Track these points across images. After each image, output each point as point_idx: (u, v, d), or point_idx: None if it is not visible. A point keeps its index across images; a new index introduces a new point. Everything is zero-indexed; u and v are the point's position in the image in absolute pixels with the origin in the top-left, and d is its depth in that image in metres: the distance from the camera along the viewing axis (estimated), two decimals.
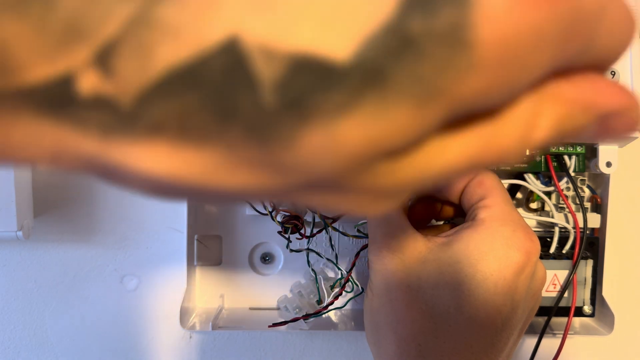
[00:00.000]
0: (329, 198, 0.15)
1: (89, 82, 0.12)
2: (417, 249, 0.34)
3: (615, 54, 0.15)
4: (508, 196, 0.35)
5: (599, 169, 0.43)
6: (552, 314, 0.44)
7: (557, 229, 0.44)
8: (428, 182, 0.15)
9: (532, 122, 0.15)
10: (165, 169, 0.13)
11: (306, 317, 0.45)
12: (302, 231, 0.44)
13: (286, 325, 0.44)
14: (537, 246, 0.34)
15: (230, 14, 0.11)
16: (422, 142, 0.14)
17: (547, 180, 0.45)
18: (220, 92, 0.12)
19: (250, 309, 0.49)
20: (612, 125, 0.16)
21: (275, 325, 0.44)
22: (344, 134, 0.12)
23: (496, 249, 0.32)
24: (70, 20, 0.12)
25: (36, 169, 0.46)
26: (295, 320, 0.44)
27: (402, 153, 0.14)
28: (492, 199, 0.35)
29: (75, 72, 0.12)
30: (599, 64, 0.15)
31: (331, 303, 0.45)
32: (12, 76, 0.12)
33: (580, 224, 0.44)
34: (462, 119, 0.14)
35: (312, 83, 0.12)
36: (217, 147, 0.12)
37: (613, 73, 0.41)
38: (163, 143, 0.13)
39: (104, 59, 0.12)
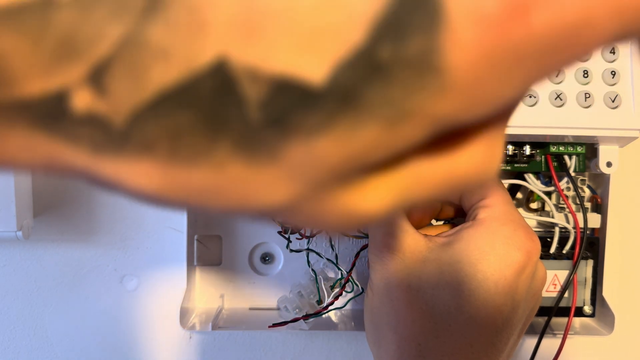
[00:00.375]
0: (309, 216, 0.15)
1: (82, 100, 0.12)
2: (418, 248, 0.34)
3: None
4: (508, 196, 0.35)
5: (599, 169, 0.43)
6: (552, 314, 0.44)
7: (557, 229, 0.44)
8: (409, 203, 0.15)
9: (494, 149, 0.16)
10: (155, 187, 0.13)
11: (306, 317, 0.44)
12: (302, 231, 0.44)
13: (286, 325, 0.44)
14: (537, 246, 0.34)
15: (218, 37, 0.12)
16: (401, 160, 0.14)
17: (548, 180, 0.45)
18: (210, 110, 0.12)
19: (250, 309, 0.49)
20: None
21: (275, 325, 0.44)
22: (323, 150, 0.13)
23: (497, 249, 0.32)
24: (64, 36, 0.12)
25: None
26: (295, 320, 0.44)
27: (383, 167, 0.14)
28: (492, 198, 0.35)
29: (69, 88, 0.12)
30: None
31: (331, 303, 0.45)
32: (7, 89, 0.12)
33: (581, 224, 0.44)
34: (445, 138, 0.15)
35: (292, 103, 0.12)
36: (206, 166, 0.13)
37: (613, 73, 0.41)
38: (153, 162, 0.13)
39: (98, 77, 0.12)
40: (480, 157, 0.15)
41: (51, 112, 0.13)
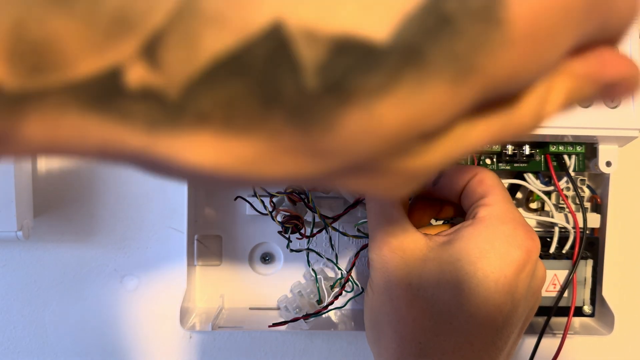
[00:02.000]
0: (363, 181, 0.15)
1: (136, 75, 0.12)
2: (418, 247, 0.34)
3: (624, 27, 0.16)
4: (508, 195, 0.35)
5: (599, 169, 0.43)
6: (552, 313, 0.44)
7: (557, 229, 0.44)
8: (452, 161, 0.15)
9: (545, 98, 0.16)
10: (212, 159, 0.13)
11: (306, 317, 0.44)
12: (302, 231, 0.44)
13: (286, 325, 0.44)
14: (537, 244, 0.34)
15: None
16: (453, 124, 0.14)
17: (547, 180, 0.45)
18: (264, 78, 0.12)
19: (250, 309, 0.49)
20: (615, 90, 0.17)
21: (275, 325, 0.44)
22: (383, 114, 0.12)
23: (497, 247, 0.32)
24: (116, 12, 0.12)
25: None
26: (295, 320, 0.44)
27: (434, 134, 0.14)
28: (492, 197, 0.35)
29: (122, 64, 0.12)
30: (609, 39, 0.16)
31: (331, 303, 0.45)
32: (58, 72, 0.12)
33: (580, 224, 0.44)
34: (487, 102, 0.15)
35: (353, 64, 0.12)
36: (260, 135, 0.13)
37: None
38: (209, 134, 0.13)
39: (151, 50, 0.12)
40: (530, 110, 0.16)
41: (105, 92, 0.12)
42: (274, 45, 0.12)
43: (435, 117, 0.13)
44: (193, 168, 0.13)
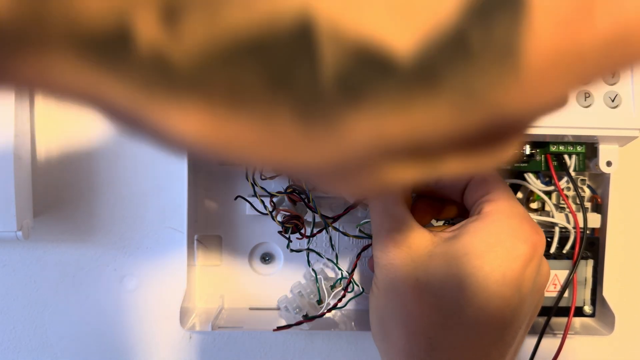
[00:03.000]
0: (341, 182, 0.15)
1: (149, 35, 0.11)
2: (424, 243, 0.34)
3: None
4: (511, 191, 0.36)
5: (600, 169, 0.43)
6: (552, 313, 0.44)
7: (557, 229, 0.45)
8: (423, 182, 0.15)
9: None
10: (202, 134, 0.12)
11: (310, 319, 0.44)
12: (302, 231, 0.43)
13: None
14: (543, 239, 0.34)
15: None
16: (445, 150, 0.14)
17: (547, 179, 0.45)
18: (281, 65, 0.12)
19: (250, 309, 0.49)
20: None
21: (280, 328, 0.44)
22: (389, 124, 0.12)
23: (503, 241, 0.32)
24: None
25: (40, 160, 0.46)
26: (299, 323, 0.44)
27: (423, 154, 0.14)
28: (496, 193, 0.35)
29: (135, 18, 0.11)
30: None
31: (334, 306, 0.45)
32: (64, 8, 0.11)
33: (581, 224, 0.44)
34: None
35: (371, 73, 0.12)
36: (261, 119, 0.12)
37: (612, 74, 0.41)
38: (209, 110, 0.12)
39: (171, 13, 0.11)
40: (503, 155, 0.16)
41: (110, 45, 0.11)
42: (299, 35, 0.11)
43: (435, 137, 0.13)
44: (179, 139, 0.13)
